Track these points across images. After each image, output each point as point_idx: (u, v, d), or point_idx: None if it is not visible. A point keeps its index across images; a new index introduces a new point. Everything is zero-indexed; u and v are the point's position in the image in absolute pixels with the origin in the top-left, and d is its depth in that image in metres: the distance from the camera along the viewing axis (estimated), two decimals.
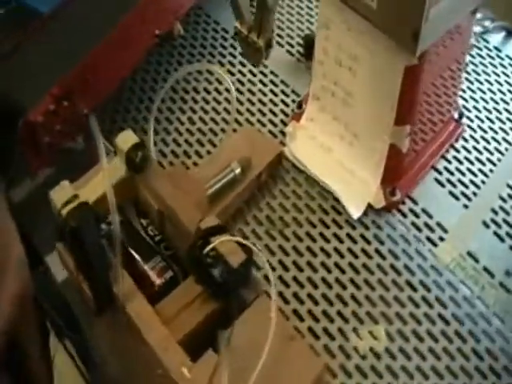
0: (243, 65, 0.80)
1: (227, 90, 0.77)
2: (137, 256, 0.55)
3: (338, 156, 0.70)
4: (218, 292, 0.51)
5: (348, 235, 0.66)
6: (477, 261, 0.65)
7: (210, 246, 0.50)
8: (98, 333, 0.60)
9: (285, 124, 0.74)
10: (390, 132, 0.63)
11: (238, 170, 0.65)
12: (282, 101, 0.76)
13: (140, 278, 0.53)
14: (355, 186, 0.68)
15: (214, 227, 0.51)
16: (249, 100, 0.77)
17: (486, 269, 0.64)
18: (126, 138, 0.54)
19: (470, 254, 0.65)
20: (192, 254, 0.51)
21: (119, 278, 0.50)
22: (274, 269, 0.64)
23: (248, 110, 0.76)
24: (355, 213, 0.67)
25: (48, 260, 0.64)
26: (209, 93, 0.78)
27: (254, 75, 0.79)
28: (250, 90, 0.78)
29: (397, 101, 0.60)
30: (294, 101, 0.76)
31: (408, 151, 0.65)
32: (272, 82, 0.78)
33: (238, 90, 0.78)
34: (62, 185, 0.57)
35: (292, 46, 0.81)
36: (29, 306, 0.51)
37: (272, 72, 0.79)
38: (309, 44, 0.75)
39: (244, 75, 0.79)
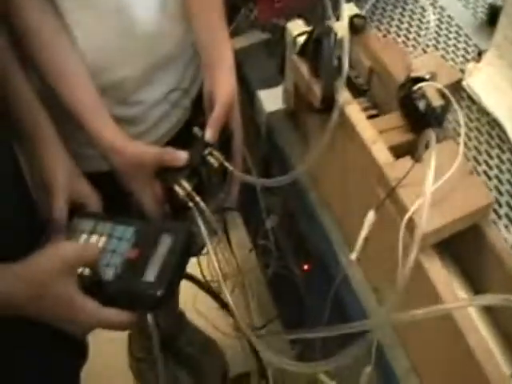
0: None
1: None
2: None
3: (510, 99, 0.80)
4: (417, 123, 0.61)
5: (509, 160, 0.75)
6: None
7: (420, 84, 0.61)
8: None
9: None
10: None
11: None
12: (464, 49, 0.87)
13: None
14: None
15: (421, 77, 0.63)
16: (435, 39, 0.88)
17: None
18: (351, 8, 0.70)
19: None
20: (402, 91, 0.63)
21: (342, 87, 0.63)
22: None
23: (434, 45, 0.87)
24: None
25: (260, 94, 0.73)
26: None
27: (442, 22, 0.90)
28: (437, 32, 0.89)
29: None
30: (474, 51, 0.86)
31: None
32: (457, 32, 0.89)
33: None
34: (297, 21, 0.70)
35: (476, 12, 0.92)
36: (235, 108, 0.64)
37: (457, 24, 0.90)
38: (492, 11, 0.87)
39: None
